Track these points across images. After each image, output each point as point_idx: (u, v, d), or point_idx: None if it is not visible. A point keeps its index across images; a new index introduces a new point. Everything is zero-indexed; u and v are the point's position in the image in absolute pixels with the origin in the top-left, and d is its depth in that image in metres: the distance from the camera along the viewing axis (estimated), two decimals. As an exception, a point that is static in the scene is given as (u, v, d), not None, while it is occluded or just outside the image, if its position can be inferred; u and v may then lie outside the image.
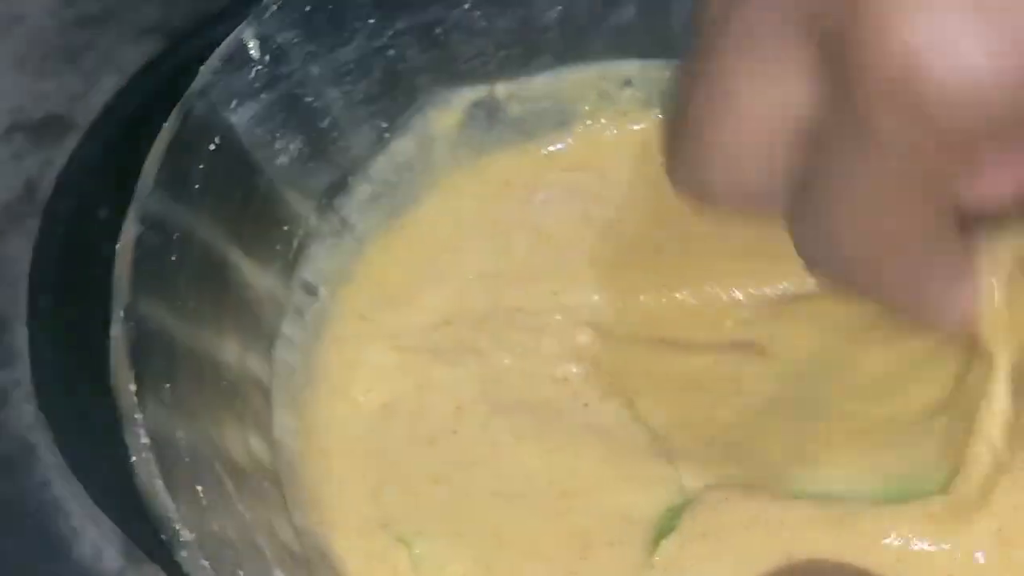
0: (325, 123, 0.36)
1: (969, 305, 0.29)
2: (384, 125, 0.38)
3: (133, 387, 0.30)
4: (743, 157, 0.27)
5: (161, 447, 0.29)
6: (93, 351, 0.49)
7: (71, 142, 0.53)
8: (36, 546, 0.44)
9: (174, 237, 0.32)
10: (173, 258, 0.32)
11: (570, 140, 0.40)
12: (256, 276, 0.35)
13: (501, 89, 0.39)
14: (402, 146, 0.38)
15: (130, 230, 0.32)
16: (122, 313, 0.30)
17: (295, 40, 0.34)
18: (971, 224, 0.28)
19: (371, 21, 0.35)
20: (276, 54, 0.34)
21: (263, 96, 0.34)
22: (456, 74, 0.38)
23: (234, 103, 0.34)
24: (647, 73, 0.39)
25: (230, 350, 0.34)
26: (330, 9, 0.35)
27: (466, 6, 0.37)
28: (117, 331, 0.30)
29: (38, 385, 0.46)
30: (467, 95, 0.39)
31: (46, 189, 0.52)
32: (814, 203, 0.27)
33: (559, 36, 0.38)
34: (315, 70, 0.35)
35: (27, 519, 0.45)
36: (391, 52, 0.36)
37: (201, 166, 0.33)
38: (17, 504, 0.45)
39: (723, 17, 0.26)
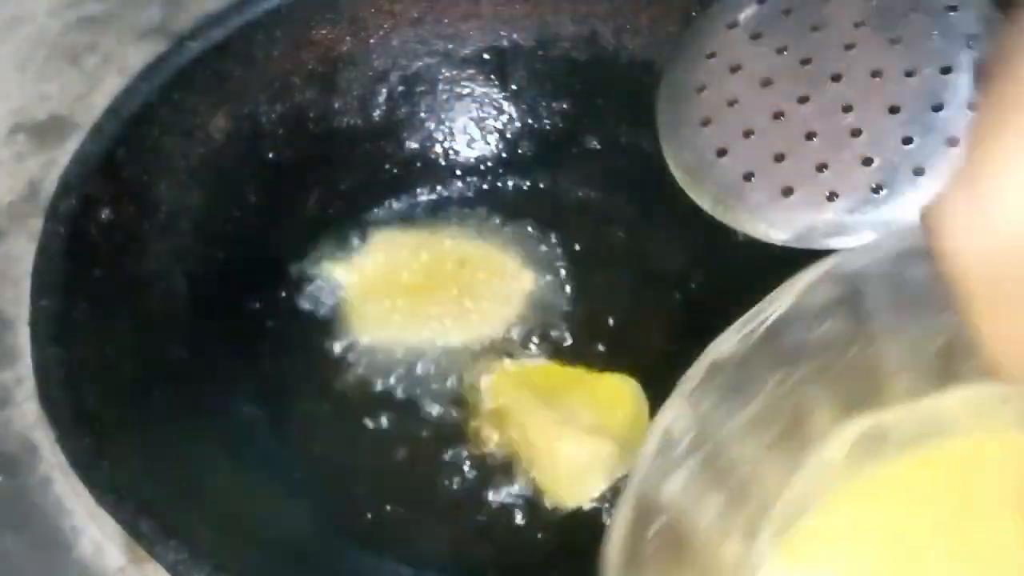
0: (742, 474, 0.38)
1: None
2: (788, 464, 0.39)
3: None
4: None
5: None
6: (94, 350, 0.49)
7: (73, 143, 0.53)
8: (38, 544, 0.44)
9: None
10: None
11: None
12: None
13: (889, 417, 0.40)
14: (800, 480, 0.40)
15: None
16: None
17: (713, 405, 0.36)
18: None
19: (777, 373, 0.37)
20: (698, 423, 0.36)
21: (688, 463, 0.36)
22: (848, 405, 0.39)
23: (667, 479, 0.35)
24: None
25: None
26: (741, 371, 0.36)
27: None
28: None
29: (40, 384, 0.47)
30: (857, 423, 0.40)
31: (49, 189, 0.52)
32: None
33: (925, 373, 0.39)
34: (729, 426, 0.37)
35: (29, 517, 0.45)
36: (794, 395, 0.38)
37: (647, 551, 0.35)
38: (19, 502, 0.45)
39: None
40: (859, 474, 0.41)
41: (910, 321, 0.37)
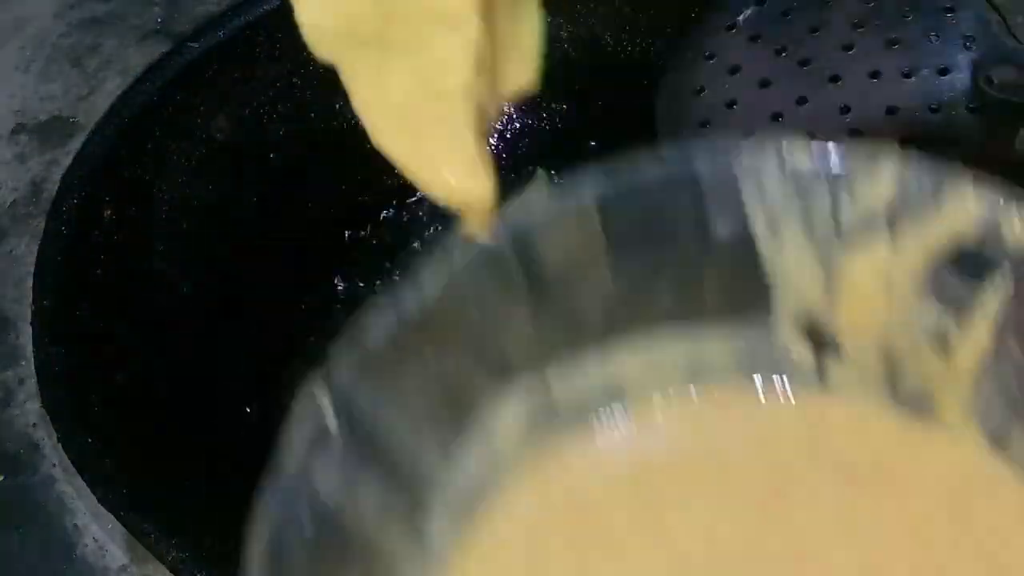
0: (399, 456, 0.35)
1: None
2: (450, 438, 0.36)
3: None
4: None
5: None
6: (96, 350, 0.49)
7: (76, 143, 0.53)
8: (40, 543, 0.44)
9: None
10: None
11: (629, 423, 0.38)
12: None
13: (552, 373, 0.37)
14: (467, 456, 0.37)
15: None
16: None
17: (362, 392, 0.34)
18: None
19: (427, 348, 0.35)
20: (348, 412, 0.33)
21: (342, 457, 0.33)
22: (506, 369, 0.37)
23: (318, 475, 0.33)
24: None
25: None
26: (389, 352, 0.34)
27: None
28: None
29: (42, 384, 0.47)
30: (520, 384, 0.37)
31: (51, 189, 0.52)
32: None
33: (602, 319, 0.36)
34: (383, 412, 0.34)
35: (31, 516, 0.45)
36: (447, 370, 0.35)
37: (300, 550, 0.32)
38: (21, 501, 0.45)
39: None
40: (540, 451, 0.37)
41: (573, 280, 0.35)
